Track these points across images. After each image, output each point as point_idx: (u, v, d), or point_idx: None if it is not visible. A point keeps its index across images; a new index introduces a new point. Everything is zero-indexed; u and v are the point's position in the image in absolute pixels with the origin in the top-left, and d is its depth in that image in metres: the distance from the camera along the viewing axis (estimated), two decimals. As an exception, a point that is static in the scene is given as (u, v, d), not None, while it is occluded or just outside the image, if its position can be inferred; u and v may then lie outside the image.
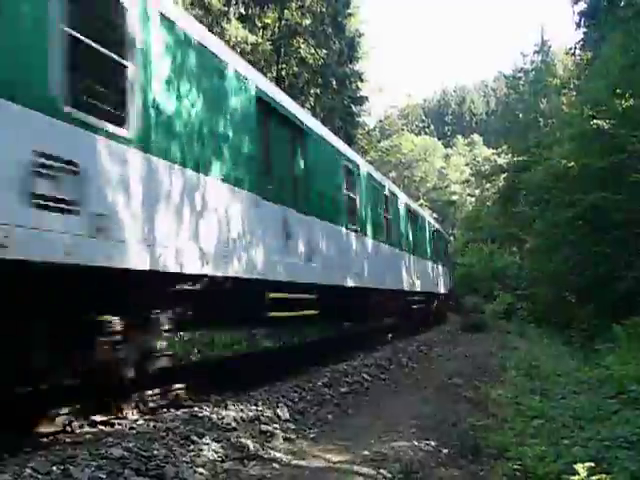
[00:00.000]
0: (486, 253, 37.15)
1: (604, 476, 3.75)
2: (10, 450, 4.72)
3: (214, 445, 4.83)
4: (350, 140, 21.46)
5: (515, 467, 4.87)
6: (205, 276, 6.79)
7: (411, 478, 4.62)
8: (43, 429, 5.56)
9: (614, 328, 12.43)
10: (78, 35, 4.93)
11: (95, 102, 5.24)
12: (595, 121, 16.45)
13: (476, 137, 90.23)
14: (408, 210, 18.86)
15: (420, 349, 14.50)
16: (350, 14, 27.71)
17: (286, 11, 24.45)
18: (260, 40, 23.35)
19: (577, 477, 3.80)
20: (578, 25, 31.89)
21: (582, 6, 31.01)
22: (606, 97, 16.55)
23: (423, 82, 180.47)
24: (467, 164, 76.55)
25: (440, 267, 26.04)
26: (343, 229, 11.59)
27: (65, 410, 5.89)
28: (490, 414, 7.08)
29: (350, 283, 11.57)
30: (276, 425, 5.83)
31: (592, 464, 3.88)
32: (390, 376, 10.11)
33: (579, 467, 3.79)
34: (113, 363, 5.65)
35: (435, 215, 70.56)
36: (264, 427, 5.64)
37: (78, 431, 5.65)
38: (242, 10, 23.32)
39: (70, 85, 4.90)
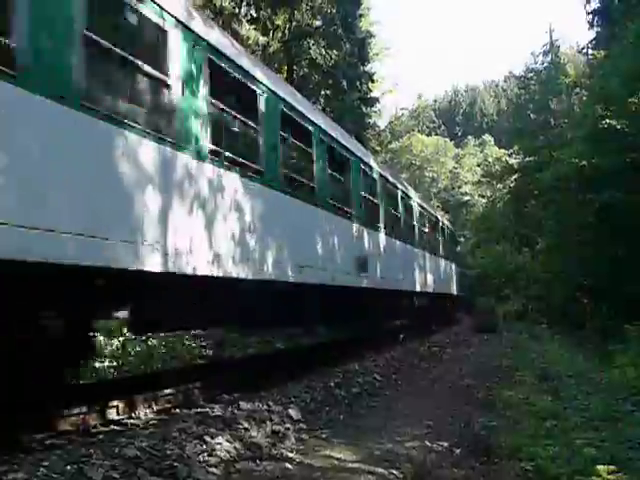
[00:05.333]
0: (498, 254, 37.00)
1: (621, 475, 3.72)
2: (25, 449, 4.76)
3: (226, 445, 4.85)
4: (360, 141, 21.46)
5: (527, 468, 4.85)
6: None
7: (423, 478, 4.62)
8: (58, 428, 5.60)
9: (627, 329, 12.34)
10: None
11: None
12: (607, 120, 16.34)
13: (487, 137, 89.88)
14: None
15: (432, 350, 14.46)
16: (361, 15, 27.72)
17: (296, 12, 24.46)
18: (271, 42, 23.38)
19: (595, 478, 3.78)
20: (591, 25, 31.74)
21: (594, 5, 30.89)
22: (619, 95, 16.43)
23: (434, 82, 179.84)
24: (478, 164, 76.23)
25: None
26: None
27: (79, 410, 5.93)
28: (502, 415, 7.06)
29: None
30: (288, 425, 5.84)
31: (612, 467, 3.86)
32: (402, 377, 10.10)
33: (601, 468, 3.77)
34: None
35: (447, 216, 70.39)
36: (276, 427, 5.65)
37: (92, 430, 5.69)
38: (253, 12, 23.38)
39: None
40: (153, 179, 5.57)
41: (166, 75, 5.93)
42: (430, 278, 19.37)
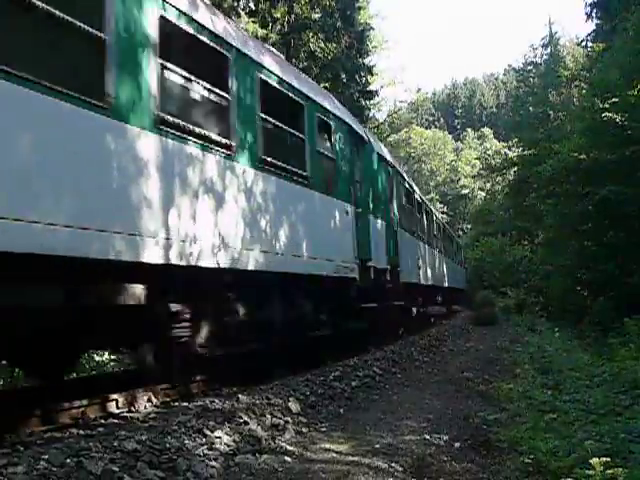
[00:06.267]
0: (497, 247, 36.97)
1: (619, 470, 3.71)
2: (24, 443, 4.75)
3: (226, 438, 4.84)
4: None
5: (527, 461, 4.85)
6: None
7: (423, 471, 4.62)
8: (57, 422, 5.60)
9: (626, 322, 12.35)
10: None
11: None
12: (607, 113, 16.30)
13: (486, 130, 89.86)
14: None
15: (431, 343, 14.47)
16: (359, 8, 27.66)
17: (295, 5, 24.39)
18: (270, 34, 23.31)
19: (592, 471, 3.77)
20: (589, 16, 31.68)
21: (593, -3, 30.84)
22: (618, 87, 16.38)
23: (433, 75, 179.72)
24: (478, 157, 76.27)
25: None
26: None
27: (79, 403, 5.93)
28: (502, 408, 7.07)
29: None
30: (287, 418, 5.84)
31: (607, 459, 3.84)
32: (401, 370, 10.10)
33: (595, 461, 3.76)
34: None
35: (445, 209, 70.49)
36: (275, 420, 5.65)
37: (92, 424, 5.68)
38: (252, 5, 23.33)
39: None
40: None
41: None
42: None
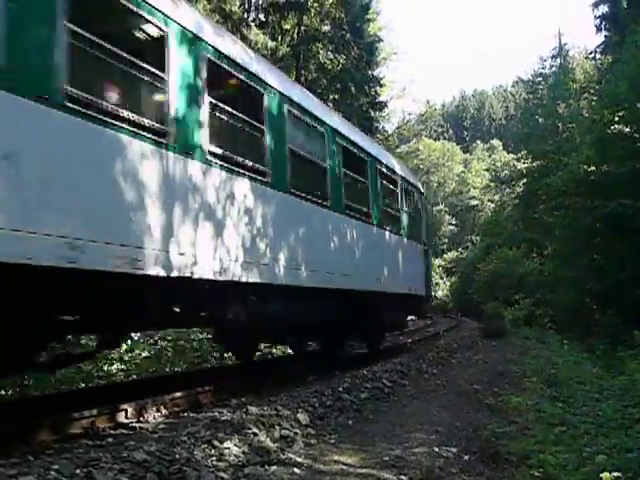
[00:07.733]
0: (506, 259, 36.82)
1: (628, 483, 3.70)
2: (34, 452, 4.77)
3: (235, 449, 4.85)
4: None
5: (537, 474, 4.83)
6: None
7: (432, 484, 4.61)
8: (67, 432, 5.62)
9: (636, 335, 12.28)
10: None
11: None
12: (616, 126, 16.28)
13: (495, 142, 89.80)
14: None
15: (440, 355, 14.40)
16: (369, 19, 27.80)
17: (305, 17, 24.52)
18: (280, 46, 23.45)
19: (604, 486, 3.76)
20: (598, 29, 31.68)
21: (603, 9, 30.83)
22: (628, 100, 16.36)
23: (441, 87, 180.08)
24: (487, 169, 76.19)
25: None
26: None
27: (89, 413, 5.95)
28: (511, 421, 7.04)
29: None
30: (296, 430, 5.84)
31: (618, 474, 3.83)
32: (410, 382, 10.07)
33: (605, 476, 3.75)
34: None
35: (454, 220, 70.42)
36: (284, 432, 5.64)
37: (101, 434, 5.70)
38: (262, 17, 23.50)
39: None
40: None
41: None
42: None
